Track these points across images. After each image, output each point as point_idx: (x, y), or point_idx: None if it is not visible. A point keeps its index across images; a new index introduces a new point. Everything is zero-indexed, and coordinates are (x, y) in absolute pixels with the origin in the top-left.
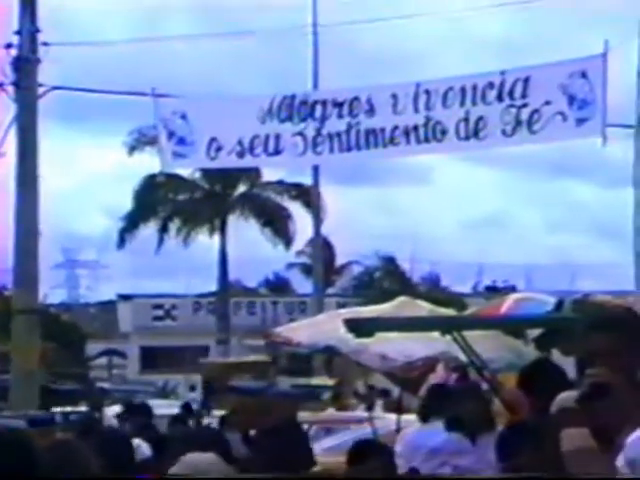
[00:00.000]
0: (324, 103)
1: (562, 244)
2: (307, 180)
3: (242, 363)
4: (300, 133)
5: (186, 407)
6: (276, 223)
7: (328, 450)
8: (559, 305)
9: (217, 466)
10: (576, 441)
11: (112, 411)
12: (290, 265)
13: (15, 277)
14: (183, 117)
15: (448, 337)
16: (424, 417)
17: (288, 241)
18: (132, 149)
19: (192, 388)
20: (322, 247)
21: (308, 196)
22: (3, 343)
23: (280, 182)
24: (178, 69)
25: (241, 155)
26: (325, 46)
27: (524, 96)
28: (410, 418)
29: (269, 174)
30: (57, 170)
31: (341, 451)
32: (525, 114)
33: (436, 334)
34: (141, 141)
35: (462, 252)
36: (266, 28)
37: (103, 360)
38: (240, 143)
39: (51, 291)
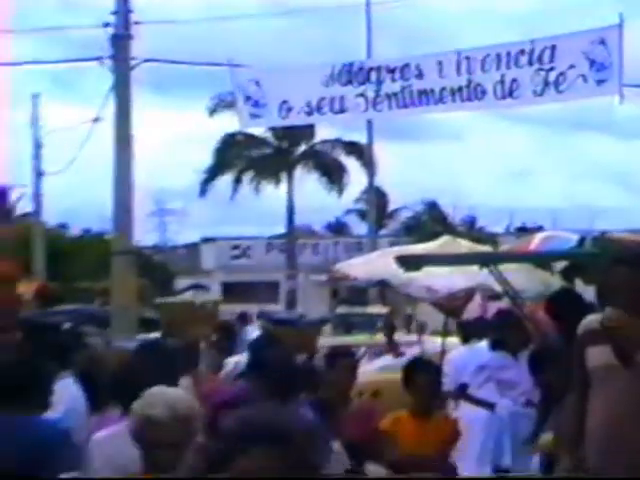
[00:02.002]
0: (379, 69)
1: (583, 190)
2: (358, 138)
3: None
4: (361, 94)
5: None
6: (333, 175)
7: (382, 369)
8: (581, 241)
9: None
10: (599, 358)
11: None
12: (348, 211)
13: (114, 224)
14: (257, 83)
15: (485, 270)
16: (465, 339)
17: (344, 190)
18: (212, 112)
19: (241, 316)
20: (375, 195)
21: (361, 152)
22: (104, 280)
23: (337, 140)
24: (249, 43)
25: (309, 114)
26: (377, 21)
27: (551, 61)
28: (453, 341)
29: (327, 134)
30: (148, 131)
31: (393, 369)
32: (552, 76)
33: (475, 268)
34: (220, 105)
35: (496, 198)
36: (325, 6)
37: (189, 293)
38: (308, 104)
39: (144, 236)
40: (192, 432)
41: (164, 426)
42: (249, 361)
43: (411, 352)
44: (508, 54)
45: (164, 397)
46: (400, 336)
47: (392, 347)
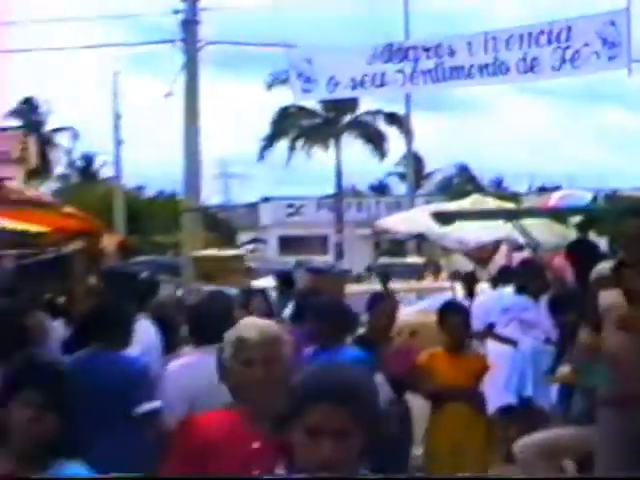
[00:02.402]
0: (415, 48)
1: (597, 155)
2: (398, 109)
3: None
4: (400, 71)
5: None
6: (376, 142)
7: (420, 311)
8: (594, 199)
9: None
10: (610, 299)
11: (258, 283)
12: (389, 174)
13: (184, 185)
14: (308, 61)
15: (510, 224)
16: (494, 285)
17: (385, 156)
18: (269, 87)
19: (298, 265)
20: (413, 160)
21: (400, 121)
22: (175, 235)
23: (379, 111)
24: (302, 26)
25: (354, 88)
26: (413, 4)
27: (567, 40)
28: (482, 287)
29: (370, 106)
30: (214, 104)
31: (429, 312)
32: (569, 54)
33: (501, 222)
34: (276, 81)
35: (519, 162)
36: None
37: (249, 246)
38: (353, 80)
39: (210, 196)
40: (281, 353)
41: (255, 345)
42: (300, 307)
43: (443, 297)
44: (529, 34)
45: (255, 323)
46: (429, 283)
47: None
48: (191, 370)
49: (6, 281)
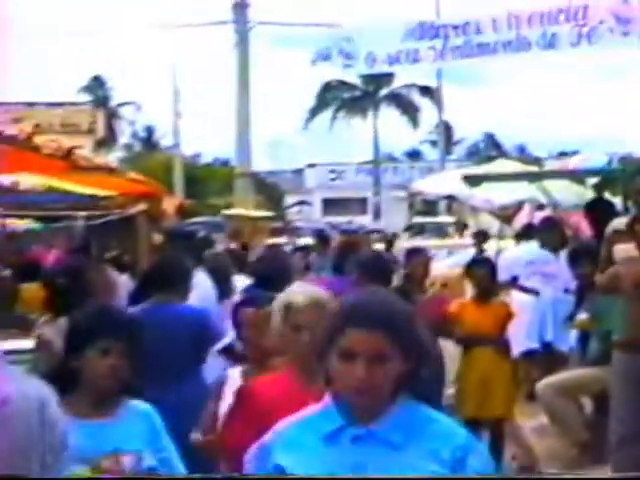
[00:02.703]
0: (445, 27)
1: (611, 125)
2: (430, 82)
3: None
4: (432, 47)
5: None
6: (410, 113)
7: (451, 266)
8: (610, 162)
9: None
10: (624, 252)
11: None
12: (422, 141)
13: (236, 153)
14: (349, 40)
15: (532, 186)
16: (517, 241)
17: (418, 125)
18: (314, 63)
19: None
20: (444, 128)
21: (432, 94)
22: (228, 197)
23: (413, 84)
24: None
25: (390, 64)
26: None
27: (584, 18)
28: (507, 243)
29: (405, 79)
30: (264, 79)
31: (459, 265)
32: (585, 31)
33: (524, 184)
34: (320, 57)
35: (541, 130)
36: None
37: (295, 208)
38: (389, 56)
39: (260, 162)
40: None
41: (303, 310)
42: (338, 262)
43: (469, 253)
44: (549, 13)
45: (304, 289)
46: (458, 240)
47: None
48: None
49: (78, 240)
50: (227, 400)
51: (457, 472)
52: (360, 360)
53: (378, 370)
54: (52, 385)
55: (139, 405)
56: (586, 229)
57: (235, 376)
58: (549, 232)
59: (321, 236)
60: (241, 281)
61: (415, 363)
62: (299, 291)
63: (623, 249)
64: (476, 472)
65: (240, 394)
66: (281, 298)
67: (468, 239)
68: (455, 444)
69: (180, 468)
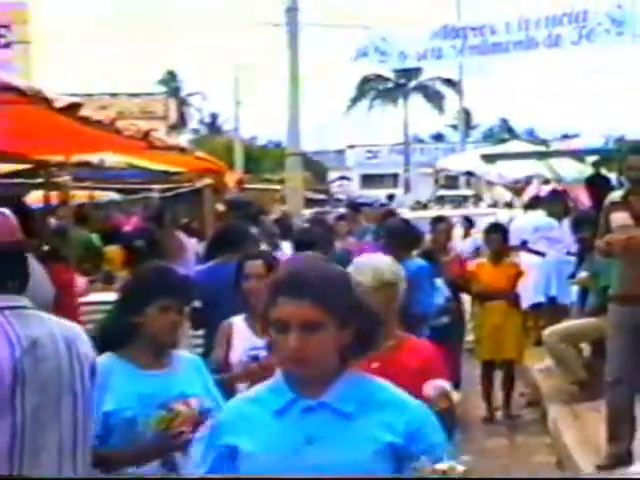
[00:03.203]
0: (464, 29)
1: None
2: (453, 75)
3: None
4: (453, 46)
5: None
6: (435, 101)
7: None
8: (606, 143)
9: None
10: (619, 220)
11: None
12: (445, 125)
13: (288, 135)
14: (383, 40)
15: (540, 163)
16: (526, 210)
17: (442, 111)
18: (354, 59)
19: (390, 197)
20: (464, 114)
21: (454, 84)
22: (280, 174)
23: (438, 77)
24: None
25: (418, 60)
26: None
27: (584, 20)
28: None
29: (431, 73)
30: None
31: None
32: (585, 31)
33: (533, 161)
34: (359, 55)
35: (548, 116)
36: None
37: (338, 182)
38: (417, 53)
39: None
40: (396, 294)
41: (369, 290)
42: (378, 228)
43: (486, 220)
44: (554, 16)
45: (371, 264)
46: (475, 210)
47: None
48: None
49: (153, 209)
50: (237, 348)
51: (412, 444)
52: (293, 330)
53: (312, 339)
54: (111, 338)
55: (188, 356)
56: (585, 200)
57: (240, 324)
58: (554, 203)
59: (352, 206)
60: (287, 247)
61: (356, 329)
62: (367, 267)
63: (618, 217)
64: (430, 443)
65: None
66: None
67: (482, 209)
68: (409, 416)
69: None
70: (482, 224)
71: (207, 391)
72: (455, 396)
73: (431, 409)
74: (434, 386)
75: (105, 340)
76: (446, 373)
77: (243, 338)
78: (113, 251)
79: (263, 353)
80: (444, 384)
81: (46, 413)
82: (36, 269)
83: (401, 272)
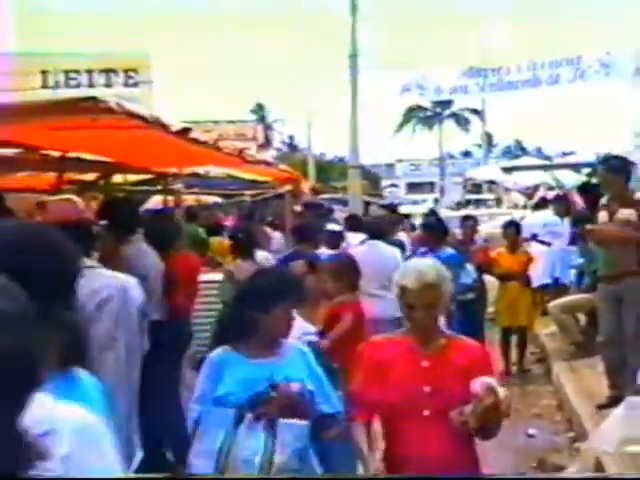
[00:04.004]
0: (485, 70)
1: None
2: (477, 105)
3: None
4: (477, 83)
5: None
6: (464, 125)
7: (491, 226)
8: (597, 158)
9: None
10: (601, 218)
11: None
12: (472, 144)
13: (350, 151)
14: (423, 77)
15: (546, 173)
16: (534, 210)
17: (469, 133)
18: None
19: (436, 200)
20: (486, 136)
21: (479, 112)
22: (344, 182)
23: (466, 107)
24: (417, 50)
25: (451, 93)
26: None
27: (579, 64)
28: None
29: (461, 103)
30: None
31: (497, 226)
32: (579, 72)
33: (540, 172)
34: (405, 90)
35: (550, 137)
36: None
37: (388, 189)
38: (450, 88)
39: (366, 157)
40: (441, 294)
41: (414, 293)
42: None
43: (502, 219)
44: (555, 60)
45: (416, 268)
46: (493, 210)
47: None
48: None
49: (246, 210)
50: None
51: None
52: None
53: None
54: (230, 331)
55: (296, 345)
56: (581, 203)
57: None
58: (557, 204)
59: (391, 207)
60: (355, 237)
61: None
62: (412, 272)
63: (600, 216)
64: None
65: (364, 348)
66: (397, 277)
67: (503, 209)
68: None
69: (333, 394)
70: (500, 221)
71: (311, 376)
72: (502, 392)
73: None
74: (481, 383)
75: (224, 333)
76: (492, 371)
77: (295, 324)
78: (216, 242)
79: (315, 338)
80: (491, 381)
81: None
82: (146, 251)
83: (445, 273)
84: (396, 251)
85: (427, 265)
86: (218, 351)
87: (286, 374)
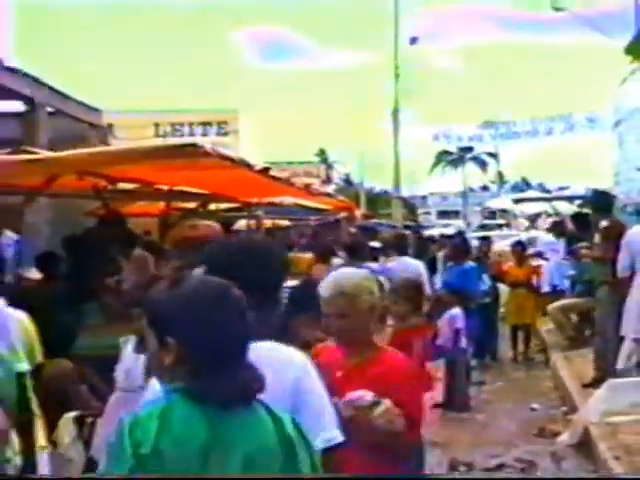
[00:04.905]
0: (497, 123)
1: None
2: (492, 149)
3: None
4: (490, 134)
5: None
6: (482, 166)
7: (503, 245)
8: (587, 192)
9: None
10: (596, 239)
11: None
12: (489, 181)
13: (393, 186)
14: (448, 129)
15: (547, 204)
16: (548, 232)
17: (487, 171)
18: (433, 140)
19: (468, 224)
20: (499, 174)
21: (494, 156)
22: (388, 210)
23: (484, 152)
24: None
25: (470, 141)
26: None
27: (569, 118)
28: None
29: (480, 149)
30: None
31: (505, 245)
32: (569, 125)
33: (542, 203)
34: (435, 137)
35: (549, 176)
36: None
37: (423, 216)
38: (469, 137)
39: (405, 191)
40: (355, 304)
41: (327, 301)
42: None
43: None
44: (551, 117)
45: (333, 277)
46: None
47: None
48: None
49: (311, 232)
50: None
51: None
52: None
53: None
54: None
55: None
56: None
57: None
58: (555, 228)
59: (415, 229)
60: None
61: None
62: (330, 281)
63: (595, 237)
64: None
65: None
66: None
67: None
68: None
69: None
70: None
71: None
72: (380, 408)
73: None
74: (350, 395)
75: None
76: (413, 388)
77: None
78: (291, 257)
79: None
80: (363, 394)
81: None
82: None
83: (366, 284)
84: (420, 264)
85: (345, 275)
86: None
87: None
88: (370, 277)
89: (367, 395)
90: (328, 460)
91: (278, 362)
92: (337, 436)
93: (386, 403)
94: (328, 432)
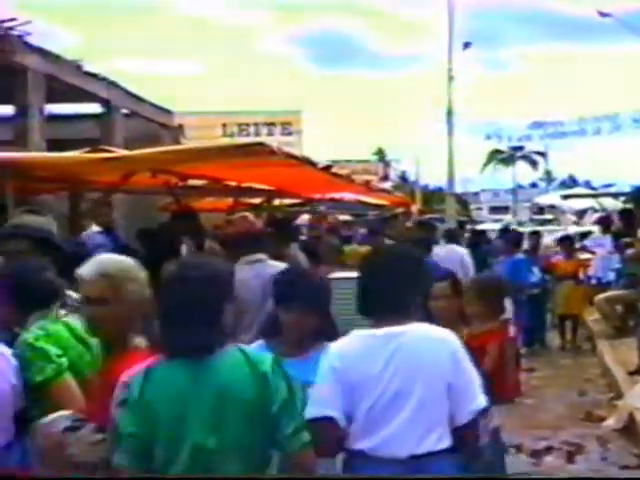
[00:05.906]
0: (545, 123)
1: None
2: (541, 149)
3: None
4: (538, 134)
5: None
6: (532, 164)
7: (552, 239)
8: (632, 189)
9: None
10: None
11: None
12: (538, 178)
13: (447, 183)
14: (499, 129)
15: (593, 200)
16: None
17: (537, 169)
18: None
19: (520, 223)
20: (548, 172)
21: (543, 154)
22: (443, 205)
23: (533, 150)
24: (498, 110)
25: (519, 140)
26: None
27: (616, 118)
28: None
29: (530, 147)
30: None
31: (556, 240)
32: (616, 125)
33: (589, 199)
34: (487, 137)
35: (596, 173)
36: None
37: (475, 211)
38: (519, 137)
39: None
40: (119, 288)
41: (86, 283)
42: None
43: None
44: (597, 116)
45: (98, 260)
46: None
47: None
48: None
49: (371, 225)
50: None
51: None
52: None
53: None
54: (266, 328)
55: (324, 345)
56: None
57: None
58: (602, 223)
59: (461, 224)
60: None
61: None
62: (92, 262)
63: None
64: None
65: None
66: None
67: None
68: None
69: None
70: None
71: None
72: (77, 433)
73: None
74: (45, 419)
75: (267, 329)
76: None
77: None
78: (348, 249)
79: None
80: (60, 415)
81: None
82: (299, 254)
83: (128, 270)
84: (465, 251)
85: (110, 257)
86: (253, 346)
87: (306, 377)
88: (138, 267)
89: (64, 417)
90: (473, 423)
91: (436, 339)
92: (482, 402)
93: (88, 426)
94: (478, 399)
